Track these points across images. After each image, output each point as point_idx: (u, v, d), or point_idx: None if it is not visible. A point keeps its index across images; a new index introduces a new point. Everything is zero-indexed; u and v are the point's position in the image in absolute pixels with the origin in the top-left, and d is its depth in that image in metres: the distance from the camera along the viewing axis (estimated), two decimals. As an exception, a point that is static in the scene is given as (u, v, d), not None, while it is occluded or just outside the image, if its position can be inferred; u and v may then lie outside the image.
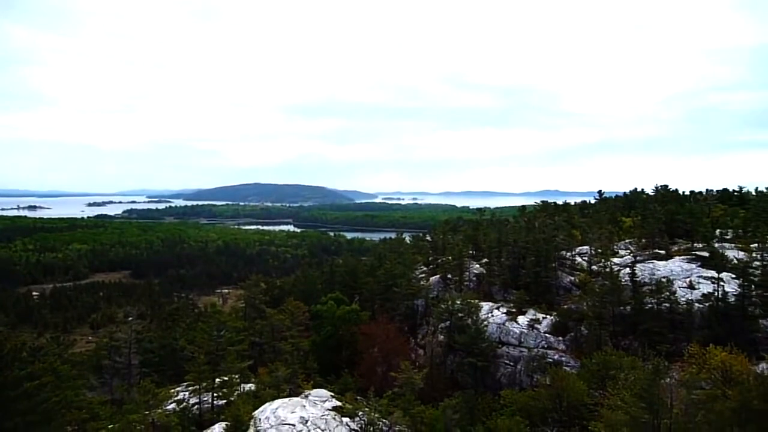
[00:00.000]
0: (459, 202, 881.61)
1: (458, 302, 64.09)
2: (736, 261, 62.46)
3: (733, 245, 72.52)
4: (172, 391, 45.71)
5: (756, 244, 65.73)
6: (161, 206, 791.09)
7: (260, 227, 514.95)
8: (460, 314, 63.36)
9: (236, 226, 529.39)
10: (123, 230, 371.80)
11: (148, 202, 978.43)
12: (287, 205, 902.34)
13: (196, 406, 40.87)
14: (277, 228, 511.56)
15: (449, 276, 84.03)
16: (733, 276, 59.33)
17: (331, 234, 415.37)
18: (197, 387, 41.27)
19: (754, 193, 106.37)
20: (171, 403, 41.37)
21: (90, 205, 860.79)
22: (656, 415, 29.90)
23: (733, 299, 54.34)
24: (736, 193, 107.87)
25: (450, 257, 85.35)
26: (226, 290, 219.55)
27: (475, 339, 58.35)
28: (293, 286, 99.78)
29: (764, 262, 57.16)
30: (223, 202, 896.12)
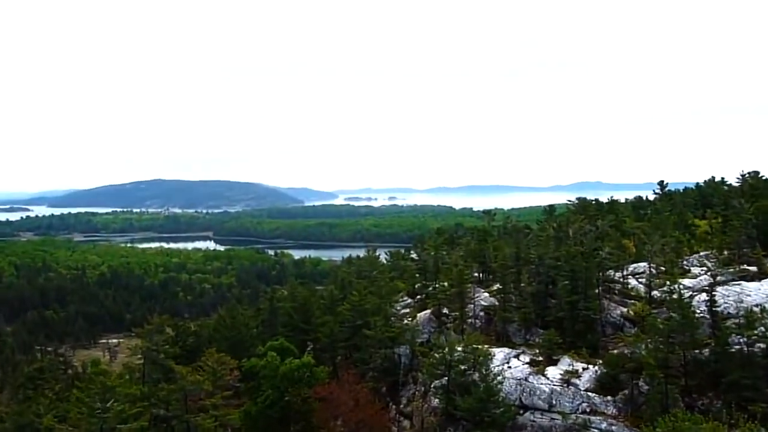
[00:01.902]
0: (458, 202, 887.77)
1: (459, 349, 63.89)
2: None
3: None
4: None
5: None
6: (14, 216, 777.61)
7: (165, 245, 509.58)
8: (462, 366, 63.06)
9: (129, 245, 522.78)
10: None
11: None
12: (204, 211, 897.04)
13: None
14: (190, 246, 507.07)
15: (445, 311, 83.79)
16: None
17: (271, 253, 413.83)
18: (72, 487, 40.27)
19: None
20: None
21: None
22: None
23: None
24: None
25: (446, 283, 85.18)
26: (115, 340, 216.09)
27: (485, 402, 58.14)
28: (215, 332, 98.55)
29: None
30: (109, 209, 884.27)
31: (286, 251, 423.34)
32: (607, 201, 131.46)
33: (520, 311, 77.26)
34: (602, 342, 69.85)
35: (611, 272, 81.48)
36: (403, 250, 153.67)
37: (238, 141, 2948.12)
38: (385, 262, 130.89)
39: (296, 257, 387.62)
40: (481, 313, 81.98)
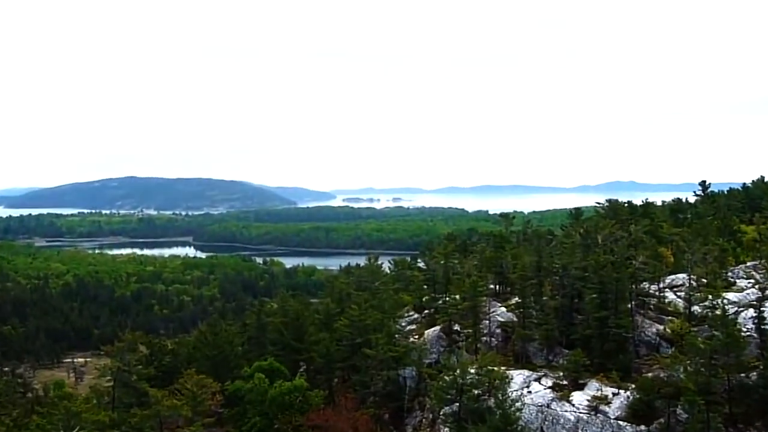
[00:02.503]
0: (471, 204, 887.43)
1: (472, 371, 63.84)
2: None
3: None
4: None
5: None
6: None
7: (138, 251, 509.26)
8: (475, 391, 63.04)
9: (98, 251, 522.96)
10: None
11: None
12: (183, 213, 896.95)
13: None
14: (167, 252, 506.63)
15: (457, 328, 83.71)
16: None
17: (259, 261, 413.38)
18: None
19: None
20: None
21: None
22: None
23: None
24: None
25: (458, 296, 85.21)
26: (82, 359, 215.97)
27: (501, 432, 58.13)
28: (195, 350, 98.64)
29: None
30: (75, 210, 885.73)
31: (276, 259, 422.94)
32: (641, 203, 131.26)
33: (541, 328, 77.11)
34: (635, 364, 69.73)
35: (646, 285, 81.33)
36: (408, 258, 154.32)
37: (222, 135, 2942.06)
38: (388, 271, 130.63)
39: (288, 266, 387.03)
40: (498, 331, 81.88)
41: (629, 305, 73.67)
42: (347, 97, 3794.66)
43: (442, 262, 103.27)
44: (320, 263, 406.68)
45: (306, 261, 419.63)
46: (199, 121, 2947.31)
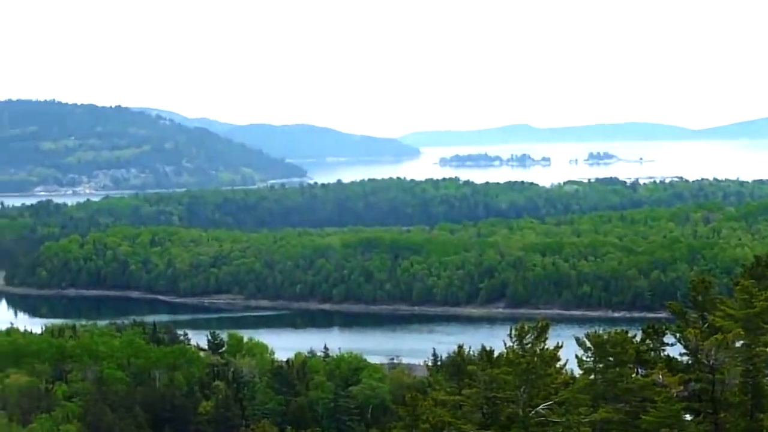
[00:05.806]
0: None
1: None
2: None
3: None
4: None
5: None
6: None
7: None
8: None
9: None
10: None
11: None
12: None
13: None
14: None
15: None
16: None
17: (196, 342, 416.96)
18: None
19: None
20: None
21: None
22: None
23: None
24: None
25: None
26: None
27: None
28: None
29: None
30: None
31: (246, 336, 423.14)
32: None
33: None
34: None
35: None
36: (637, 334, 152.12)
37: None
38: (578, 370, 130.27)
39: (281, 354, 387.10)
40: None
41: None
42: None
43: (740, 343, 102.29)
44: (376, 344, 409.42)
45: (333, 339, 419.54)
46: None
